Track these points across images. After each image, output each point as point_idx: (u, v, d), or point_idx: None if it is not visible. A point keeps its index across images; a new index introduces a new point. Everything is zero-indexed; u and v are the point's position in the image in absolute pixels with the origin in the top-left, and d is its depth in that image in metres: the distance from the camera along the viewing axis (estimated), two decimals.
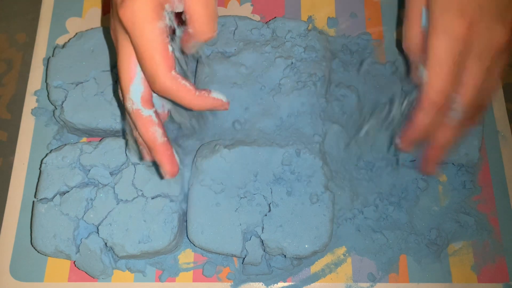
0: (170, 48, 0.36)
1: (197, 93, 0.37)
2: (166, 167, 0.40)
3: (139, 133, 0.39)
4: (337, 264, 0.49)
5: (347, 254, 0.49)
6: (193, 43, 0.38)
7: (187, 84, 0.37)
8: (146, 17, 0.35)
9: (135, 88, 0.38)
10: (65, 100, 0.50)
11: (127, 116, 0.40)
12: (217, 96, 0.39)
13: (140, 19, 0.35)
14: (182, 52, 0.40)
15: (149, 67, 0.36)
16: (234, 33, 0.53)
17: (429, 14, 0.36)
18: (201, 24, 0.37)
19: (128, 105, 0.38)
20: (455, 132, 0.39)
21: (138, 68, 0.37)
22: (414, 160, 0.50)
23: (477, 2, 0.35)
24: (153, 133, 0.39)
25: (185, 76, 0.39)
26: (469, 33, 0.35)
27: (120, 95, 0.40)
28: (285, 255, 0.45)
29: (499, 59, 0.37)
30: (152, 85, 0.37)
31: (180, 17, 0.39)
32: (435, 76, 0.36)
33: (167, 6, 0.36)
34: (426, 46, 0.37)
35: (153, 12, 0.35)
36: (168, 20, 0.37)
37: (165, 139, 0.39)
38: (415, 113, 0.39)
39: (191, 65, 0.51)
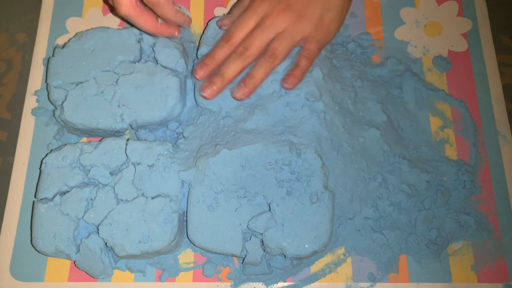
0: None
1: (160, 21, 0.43)
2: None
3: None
4: (337, 264, 0.49)
5: (347, 254, 0.49)
6: None
7: (151, 14, 0.43)
8: None
9: None
10: (65, 100, 0.50)
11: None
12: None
13: None
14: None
15: None
16: None
17: None
18: None
19: None
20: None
21: None
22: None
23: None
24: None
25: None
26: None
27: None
28: (285, 255, 0.45)
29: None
30: (117, 10, 0.44)
31: None
32: None
33: None
34: None
35: None
36: None
37: None
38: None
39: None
